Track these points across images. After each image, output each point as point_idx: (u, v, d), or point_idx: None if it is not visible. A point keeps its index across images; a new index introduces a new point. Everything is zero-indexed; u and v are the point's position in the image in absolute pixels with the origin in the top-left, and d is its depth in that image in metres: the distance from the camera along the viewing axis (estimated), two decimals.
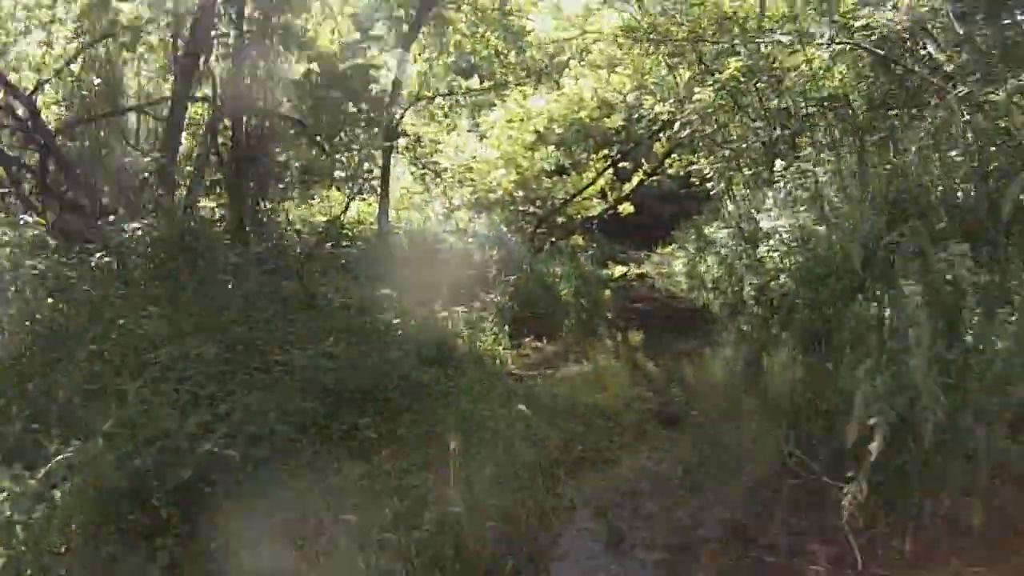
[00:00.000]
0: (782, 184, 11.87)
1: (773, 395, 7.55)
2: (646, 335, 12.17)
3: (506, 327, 9.34)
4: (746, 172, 16.12)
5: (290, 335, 6.16)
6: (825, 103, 15.42)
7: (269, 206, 10.51)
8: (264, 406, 4.63)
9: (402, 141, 15.01)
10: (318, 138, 12.81)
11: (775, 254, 10.51)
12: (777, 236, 10.61)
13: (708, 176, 18.94)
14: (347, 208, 13.66)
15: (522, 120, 22.44)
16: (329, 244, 11.96)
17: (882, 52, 9.98)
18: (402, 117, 14.10)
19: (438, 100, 17.01)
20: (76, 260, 8.08)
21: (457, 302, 9.00)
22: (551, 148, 22.74)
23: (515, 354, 9.15)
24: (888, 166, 9.50)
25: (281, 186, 12.41)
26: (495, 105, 23.06)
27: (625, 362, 10.42)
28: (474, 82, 23.56)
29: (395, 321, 7.11)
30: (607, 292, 14.97)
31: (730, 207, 15.07)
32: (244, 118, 9.99)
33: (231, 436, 4.12)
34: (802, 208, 10.87)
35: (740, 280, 12.77)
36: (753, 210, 12.97)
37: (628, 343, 11.87)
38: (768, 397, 7.54)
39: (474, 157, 22.00)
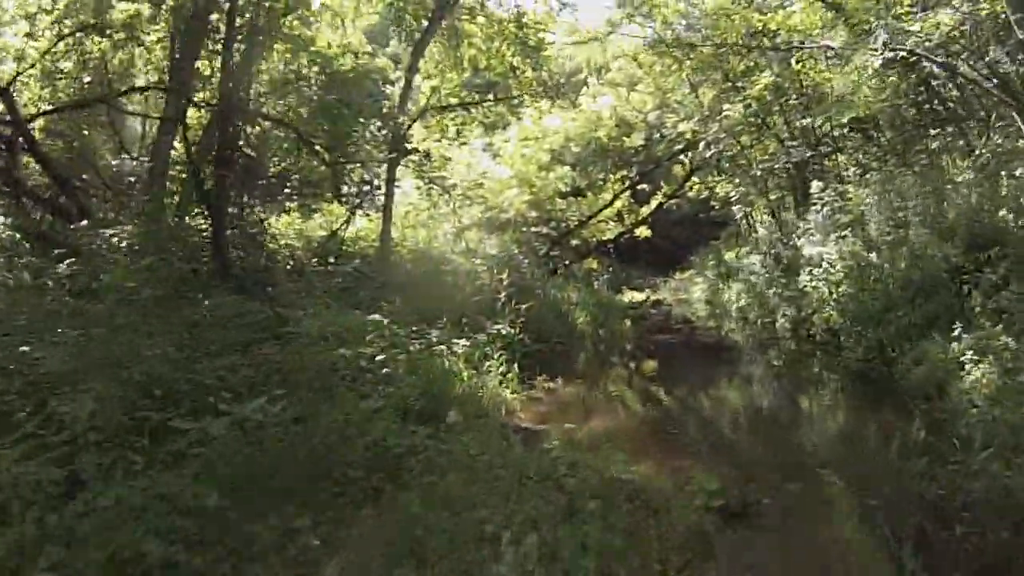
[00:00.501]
0: (819, 207, 10.82)
1: (859, 467, 5.46)
2: (671, 373, 10.62)
3: (515, 364, 7.83)
4: (774, 195, 15.11)
5: (230, 378, 4.75)
6: (858, 122, 14.54)
7: (254, 217, 9.46)
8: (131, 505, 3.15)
9: (410, 156, 14.10)
10: (318, 148, 11.89)
11: (819, 284, 9.38)
12: (823, 264, 9.47)
13: (732, 199, 17.94)
14: (347, 223, 12.73)
15: (537, 139, 21.64)
16: (325, 261, 11.01)
17: (939, 60, 8.95)
18: (409, 128, 13.18)
19: (449, 113, 16.08)
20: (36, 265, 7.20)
21: (460, 332, 7.86)
22: (566, 168, 21.89)
23: (525, 397, 7.60)
24: (948, 186, 8.43)
25: (271, 196, 11.46)
26: (509, 123, 22.35)
27: (655, 410, 8.25)
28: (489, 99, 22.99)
29: (379, 357, 5.76)
30: (627, 322, 13.54)
31: (760, 231, 13.98)
32: (233, 121, 9.05)
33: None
34: (847, 233, 9.81)
35: (772, 311, 11.68)
36: (789, 235, 11.88)
37: (654, 384, 10.11)
38: (851, 467, 5.45)
39: (485, 174, 21.20)
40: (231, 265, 7.70)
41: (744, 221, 22.14)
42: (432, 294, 9.11)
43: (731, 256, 19.28)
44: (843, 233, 9.90)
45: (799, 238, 11.04)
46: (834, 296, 8.94)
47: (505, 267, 10.74)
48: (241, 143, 9.52)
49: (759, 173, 14.74)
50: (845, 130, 14.83)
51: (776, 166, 13.57)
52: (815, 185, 11.60)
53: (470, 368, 6.93)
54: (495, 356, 7.53)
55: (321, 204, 15.22)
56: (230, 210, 8.76)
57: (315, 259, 10.76)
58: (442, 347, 6.80)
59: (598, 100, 21.83)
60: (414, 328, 7.11)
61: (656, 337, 13.19)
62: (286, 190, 14.62)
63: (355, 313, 7.11)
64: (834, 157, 14.68)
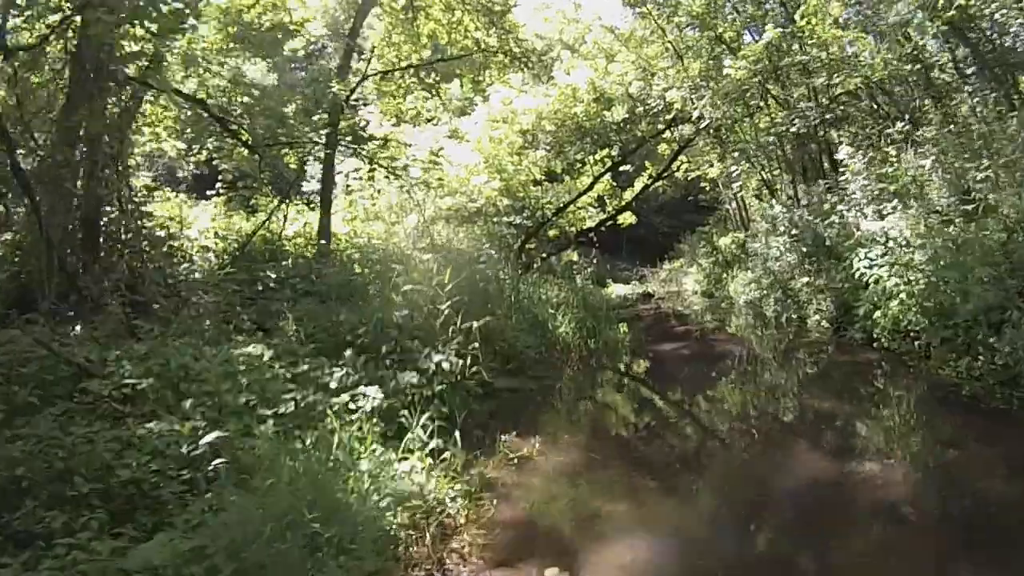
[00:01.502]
0: (857, 175, 8.73)
1: None
2: (710, 415, 7.10)
3: (456, 425, 4.68)
4: (776, 170, 13.05)
5: None
6: (868, 86, 12.57)
7: (132, 211, 6.99)
8: None
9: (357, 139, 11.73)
10: (233, 126, 9.51)
11: (882, 270, 7.19)
12: (888, 242, 7.23)
13: (730, 174, 15.84)
14: (274, 218, 10.40)
15: (507, 120, 19.39)
16: (248, 267, 8.64)
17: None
18: (348, 99, 10.81)
19: (399, 86, 13.77)
20: None
21: (384, 367, 5.17)
22: (539, 153, 19.64)
23: (477, 488, 4.39)
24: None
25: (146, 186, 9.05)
26: (476, 106, 20.08)
27: (713, 504, 4.64)
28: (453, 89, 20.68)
29: (208, 439, 3.26)
30: (622, 328, 10.90)
31: (776, 208, 11.85)
32: (100, 91, 6.64)
33: None
34: (897, 204, 7.73)
35: (801, 306, 9.61)
36: (821, 210, 9.69)
37: (690, 436, 6.51)
38: None
39: (447, 158, 18.95)
40: (72, 279, 5.33)
41: (734, 203, 20.11)
42: (362, 307, 6.65)
43: (727, 241, 17.24)
44: (894, 204, 7.79)
45: (846, 211, 8.84)
46: (909, 285, 6.71)
47: (464, 267, 7.82)
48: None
49: (769, 140, 12.62)
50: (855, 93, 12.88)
51: (791, 130, 11.43)
52: (844, 151, 9.51)
53: (381, 442, 4.09)
54: (429, 410, 4.54)
55: (259, 198, 12.81)
56: (102, 206, 6.33)
57: (228, 265, 8.36)
58: (334, 404, 4.18)
59: (573, 74, 19.57)
60: (310, 365, 4.68)
61: (661, 348, 10.87)
62: (218, 184, 12.17)
63: (226, 345, 4.65)
64: (847, 123, 12.69)
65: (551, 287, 13.88)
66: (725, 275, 14.86)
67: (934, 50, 11.75)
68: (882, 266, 7.14)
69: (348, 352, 5.01)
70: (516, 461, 5.00)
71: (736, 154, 14.83)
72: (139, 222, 6.69)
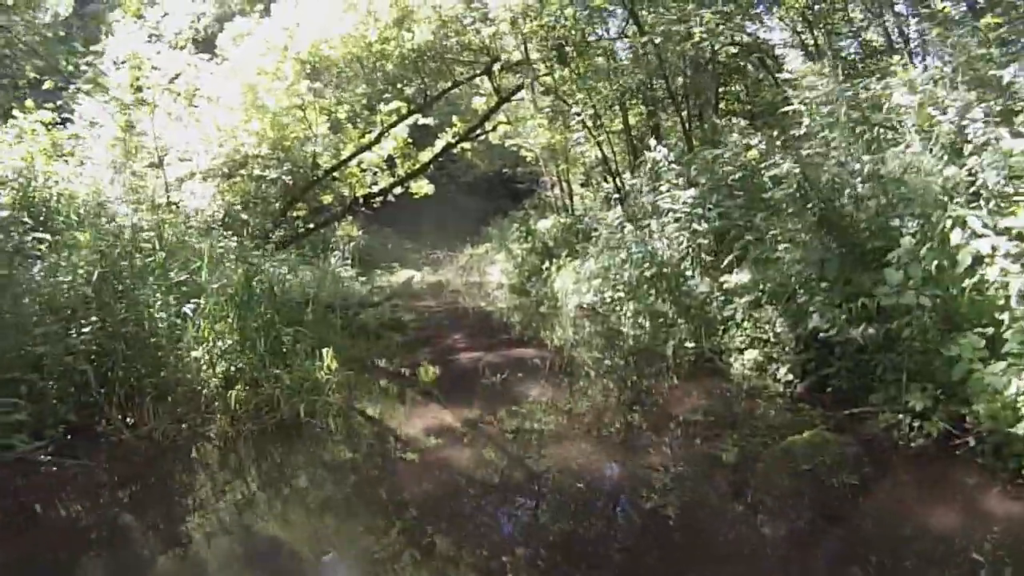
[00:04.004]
0: None
1: None
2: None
3: None
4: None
5: None
6: None
7: None
8: None
9: None
10: None
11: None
12: None
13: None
14: None
15: (285, 48, 14.25)
16: None
17: None
18: None
19: None
20: None
21: None
22: (315, 87, 14.53)
23: None
24: None
25: None
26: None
27: None
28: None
29: None
30: (396, 337, 6.73)
31: (662, 152, 7.36)
32: None
33: None
34: None
35: (718, 325, 5.87)
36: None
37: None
38: None
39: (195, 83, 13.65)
40: None
41: (557, 188, 16.66)
42: None
43: (547, 224, 13.55)
44: None
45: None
46: None
47: None
48: None
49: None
50: None
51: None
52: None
53: None
54: None
55: None
56: None
57: None
58: None
59: None
60: None
61: (441, 365, 6.81)
62: None
63: None
64: None
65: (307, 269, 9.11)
66: (546, 266, 11.07)
67: None
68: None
69: None
70: None
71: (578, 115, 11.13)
72: None
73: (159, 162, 13.07)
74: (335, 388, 5.41)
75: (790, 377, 5.16)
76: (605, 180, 12.86)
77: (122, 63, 12.86)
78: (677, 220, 6.56)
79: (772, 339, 5.39)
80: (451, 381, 6.67)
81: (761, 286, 5.43)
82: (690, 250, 6.53)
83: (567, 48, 11.14)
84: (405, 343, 8.51)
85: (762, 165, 5.71)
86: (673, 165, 6.71)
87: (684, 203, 6.35)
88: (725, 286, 5.85)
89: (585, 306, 8.49)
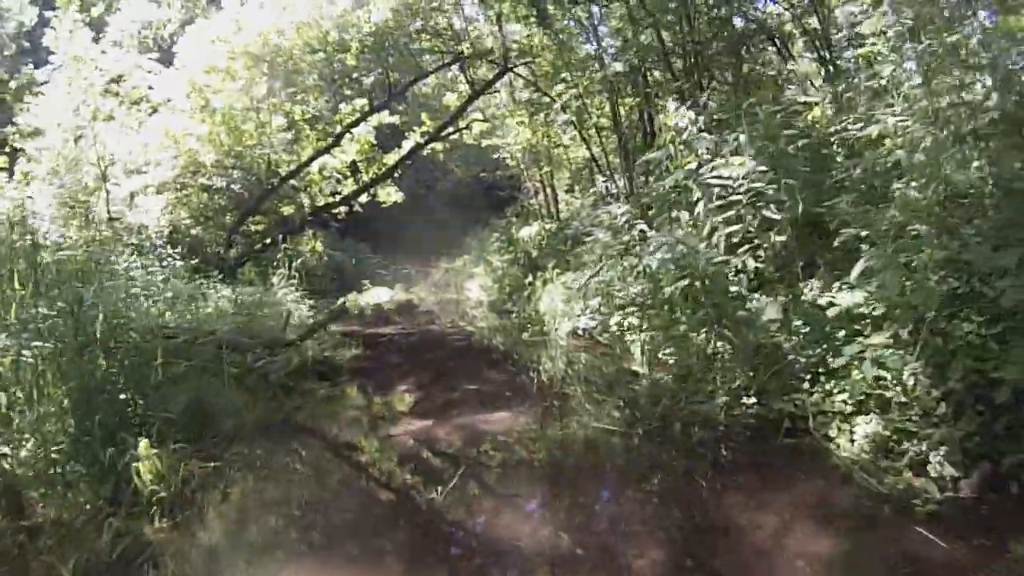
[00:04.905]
0: None
1: None
2: None
3: None
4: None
5: None
6: None
7: None
8: None
9: None
10: None
11: None
12: None
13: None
14: None
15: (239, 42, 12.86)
16: None
17: None
18: None
19: None
20: None
21: None
22: (271, 86, 12.98)
23: None
24: None
25: None
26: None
27: None
28: None
29: None
30: (319, 390, 4.92)
31: (687, 116, 5.43)
32: None
33: None
34: None
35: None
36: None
37: None
38: None
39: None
40: None
41: (541, 195, 15.18)
42: None
43: (531, 232, 12.00)
44: None
45: None
46: None
47: None
48: None
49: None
50: None
51: None
52: None
53: None
54: None
55: None
56: None
57: None
58: None
59: None
60: None
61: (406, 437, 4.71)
62: None
63: None
64: None
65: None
66: (529, 281, 9.50)
67: None
68: None
69: None
70: None
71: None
72: None
73: (102, 175, 11.57)
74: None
75: (950, 470, 3.16)
76: (594, 180, 11.44)
77: (59, 66, 11.46)
78: (730, 207, 4.61)
79: (902, 398, 3.52)
80: (352, 495, 4.08)
81: (884, 310, 3.67)
82: (755, 252, 4.72)
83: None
84: (327, 398, 6.20)
85: (834, 128, 4.19)
86: (703, 134, 5.01)
87: (742, 180, 4.43)
88: (830, 310, 3.92)
89: (581, 332, 6.88)
